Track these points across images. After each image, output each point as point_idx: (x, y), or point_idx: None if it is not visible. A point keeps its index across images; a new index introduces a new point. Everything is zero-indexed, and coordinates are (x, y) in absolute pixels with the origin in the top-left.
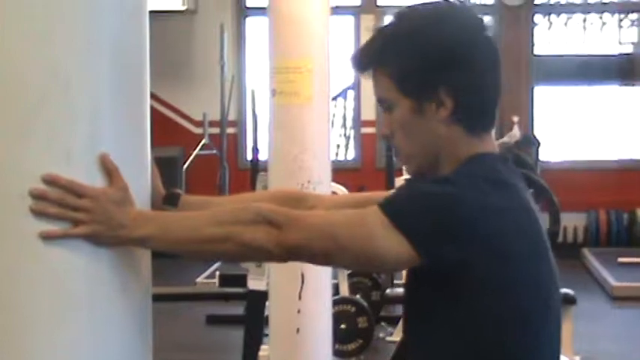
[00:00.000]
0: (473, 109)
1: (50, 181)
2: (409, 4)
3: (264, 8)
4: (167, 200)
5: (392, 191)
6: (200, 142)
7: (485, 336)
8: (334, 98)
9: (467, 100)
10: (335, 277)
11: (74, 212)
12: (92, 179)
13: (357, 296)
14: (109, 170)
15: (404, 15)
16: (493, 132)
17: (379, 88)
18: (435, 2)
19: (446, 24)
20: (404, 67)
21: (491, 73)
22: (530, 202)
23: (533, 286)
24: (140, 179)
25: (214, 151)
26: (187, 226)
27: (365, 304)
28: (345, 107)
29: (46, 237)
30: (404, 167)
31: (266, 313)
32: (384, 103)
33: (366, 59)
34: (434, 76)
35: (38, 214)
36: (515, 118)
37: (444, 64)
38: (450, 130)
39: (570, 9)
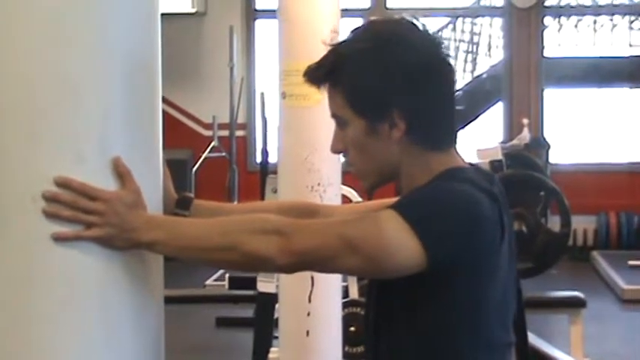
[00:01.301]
0: (427, 130)
1: (63, 183)
2: (372, 20)
3: (273, 11)
4: (179, 204)
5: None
6: (209, 144)
7: (449, 345)
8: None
9: (420, 121)
10: (345, 279)
11: (86, 215)
12: (104, 182)
13: (365, 298)
14: (121, 173)
15: (360, 32)
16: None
17: (333, 104)
18: (393, 20)
19: (401, 45)
20: (357, 87)
21: (447, 93)
22: (508, 211)
23: (493, 299)
24: (152, 182)
25: (224, 154)
26: (195, 233)
27: None
28: None
29: (58, 239)
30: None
31: (276, 315)
32: (337, 119)
33: (319, 75)
34: (387, 98)
35: (51, 216)
36: (525, 121)
37: (397, 86)
38: (407, 150)
39: (580, 11)
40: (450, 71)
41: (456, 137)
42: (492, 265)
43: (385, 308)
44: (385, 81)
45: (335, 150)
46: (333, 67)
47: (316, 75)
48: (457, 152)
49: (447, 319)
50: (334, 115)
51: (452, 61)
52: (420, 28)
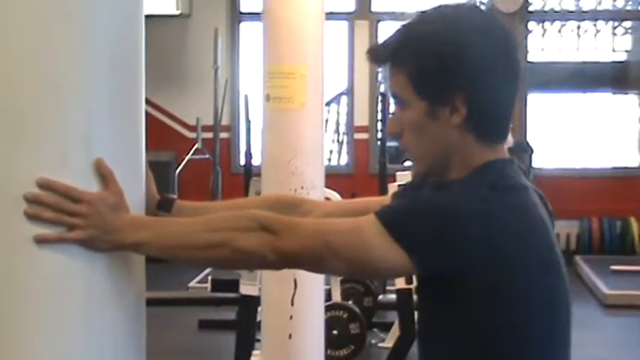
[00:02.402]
0: (486, 120)
1: (45, 185)
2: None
3: (258, 13)
4: (161, 205)
5: (388, 198)
6: (193, 146)
7: (490, 348)
8: (328, 104)
9: (481, 109)
10: (327, 283)
11: (69, 217)
12: (87, 184)
13: (350, 302)
14: (104, 175)
15: (428, 14)
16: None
17: (394, 84)
18: (464, 6)
19: (471, 30)
20: (422, 68)
21: (510, 85)
22: (539, 206)
23: (538, 297)
24: (135, 184)
25: (207, 156)
26: (181, 232)
27: (357, 310)
28: (338, 113)
29: (41, 241)
30: (411, 166)
31: (258, 318)
32: (397, 99)
33: (385, 53)
34: (451, 82)
35: (32, 218)
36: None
37: (463, 71)
38: (462, 137)
39: (564, 16)
40: (516, 62)
41: (507, 132)
42: (499, 263)
43: (427, 310)
44: (451, 64)
45: (391, 132)
46: (399, 46)
47: (381, 53)
48: (502, 148)
49: (480, 317)
50: (394, 96)
51: (519, 55)
52: (490, 15)
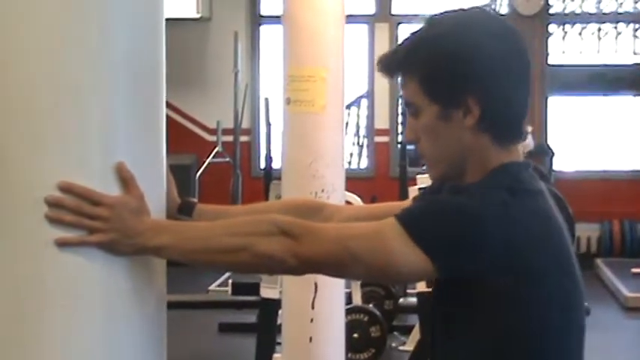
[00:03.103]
0: (500, 120)
1: (66, 188)
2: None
3: (278, 16)
4: (182, 209)
5: (409, 203)
6: (213, 149)
7: (506, 350)
8: (348, 107)
9: (494, 110)
10: (348, 286)
11: (90, 220)
12: (107, 187)
13: (370, 305)
14: (124, 179)
15: (436, 19)
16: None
17: (407, 92)
18: (470, 9)
19: (480, 31)
20: (432, 72)
21: (522, 86)
22: (554, 210)
23: (556, 301)
24: (156, 188)
25: (227, 159)
26: (202, 236)
27: (378, 313)
28: (358, 116)
29: (62, 244)
30: (427, 172)
31: (279, 321)
32: (411, 108)
33: (395, 62)
34: (463, 83)
35: (54, 221)
36: (529, 128)
37: (474, 72)
38: (477, 139)
39: (585, 19)
40: (527, 63)
41: (521, 133)
42: (525, 268)
43: (443, 313)
44: (461, 66)
45: (408, 139)
46: (407, 53)
47: (391, 61)
48: (517, 150)
49: (497, 322)
50: (407, 104)
51: (529, 54)
52: (499, 17)
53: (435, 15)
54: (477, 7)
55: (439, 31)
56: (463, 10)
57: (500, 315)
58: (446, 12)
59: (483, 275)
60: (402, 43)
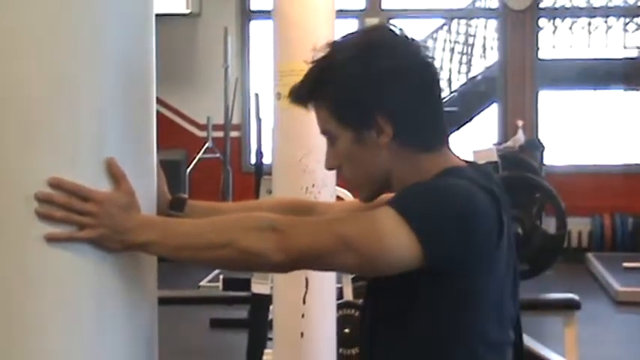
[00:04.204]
0: (414, 132)
1: (56, 184)
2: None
3: (268, 11)
4: (173, 205)
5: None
6: (204, 145)
7: (452, 344)
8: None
9: (406, 123)
10: (339, 281)
11: (80, 216)
12: (98, 183)
13: (361, 300)
14: (115, 174)
15: (337, 45)
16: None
17: (320, 120)
18: (369, 29)
19: (377, 51)
20: (338, 99)
21: (428, 93)
22: (507, 209)
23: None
24: (146, 183)
25: (218, 155)
26: (189, 232)
27: None
28: None
29: (52, 240)
30: (358, 196)
31: (270, 317)
32: (326, 135)
33: (304, 93)
34: (369, 105)
35: (44, 217)
36: (520, 122)
37: (378, 91)
38: (397, 154)
39: (575, 13)
40: (431, 72)
41: (447, 137)
42: (489, 263)
43: (382, 310)
44: (365, 88)
45: (329, 166)
46: (314, 83)
47: (300, 94)
48: (451, 152)
49: (444, 319)
50: (323, 132)
51: (434, 62)
52: (398, 32)
53: (337, 40)
54: (379, 26)
55: (340, 57)
56: (365, 31)
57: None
58: (348, 35)
59: (463, 262)
60: (308, 72)
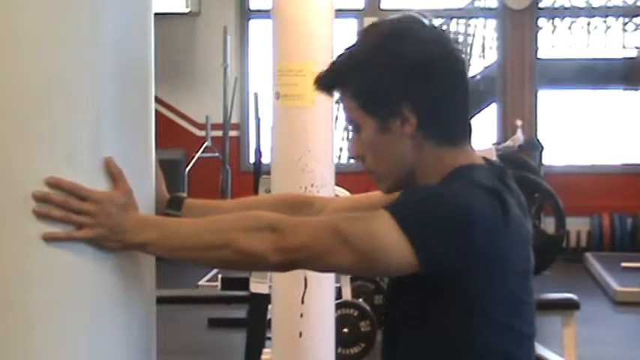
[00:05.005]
0: (439, 123)
1: (54, 184)
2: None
3: (267, 11)
4: (171, 204)
5: (399, 194)
6: (202, 144)
7: (480, 345)
8: (337, 101)
9: (431, 115)
10: (338, 281)
11: (77, 215)
12: (95, 182)
13: (360, 300)
14: (113, 174)
15: (365, 32)
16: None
17: (346, 108)
18: (396, 18)
19: (404, 39)
20: (364, 86)
21: (456, 85)
22: (521, 214)
23: (519, 300)
24: (144, 183)
25: (217, 154)
26: (186, 232)
27: (368, 308)
28: None
29: (49, 239)
30: (378, 186)
31: (268, 316)
32: (351, 124)
33: (330, 79)
34: (395, 93)
35: (41, 216)
36: (519, 122)
37: (403, 79)
38: (420, 145)
39: (574, 12)
40: (459, 63)
41: (470, 132)
42: (495, 264)
43: (402, 312)
44: (391, 76)
45: (355, 155)
46: (340, 71)
47: (325, 81)
48: (471, 148)
49: (462, 317)
50: (349, 120)
51: (461, 54)
52: (426, 22)
53: (367, 27)
54: (408, 15)
55: (368, 45)
56: (394, 19)
57: (479, 313)
58: (377, 23)
59: (465, 270)
60: (336, 59)
